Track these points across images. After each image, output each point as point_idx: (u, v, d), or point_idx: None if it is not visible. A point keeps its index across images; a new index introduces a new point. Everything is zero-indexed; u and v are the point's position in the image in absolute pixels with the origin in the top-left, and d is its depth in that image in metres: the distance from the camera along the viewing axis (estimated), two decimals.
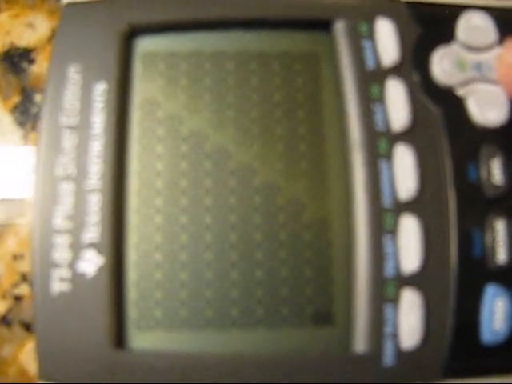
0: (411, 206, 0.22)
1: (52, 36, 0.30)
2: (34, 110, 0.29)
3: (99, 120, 0.23)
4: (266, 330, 0.22)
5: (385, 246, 0.22)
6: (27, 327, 0.27)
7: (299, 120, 0.24)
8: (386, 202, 0.22)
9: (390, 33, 0.24)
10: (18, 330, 0.27)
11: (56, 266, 0.22)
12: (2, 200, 0.28)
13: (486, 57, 0.24)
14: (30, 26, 0.30)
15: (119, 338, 0.22)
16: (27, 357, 0.27)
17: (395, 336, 0.22)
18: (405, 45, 0.24)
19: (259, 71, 0.24)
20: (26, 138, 0.29)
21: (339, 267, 0.23)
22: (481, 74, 0.24)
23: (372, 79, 0.23)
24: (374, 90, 0.23)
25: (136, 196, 0.23)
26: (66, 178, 0.22)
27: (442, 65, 0.24)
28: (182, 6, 0.24)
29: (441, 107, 0.23)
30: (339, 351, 0.22)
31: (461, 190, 0.22)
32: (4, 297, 0.28)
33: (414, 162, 0.22)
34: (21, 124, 0.29)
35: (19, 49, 0.30)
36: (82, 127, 0.23)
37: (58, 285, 0.22)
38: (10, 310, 0.27)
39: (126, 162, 0.23)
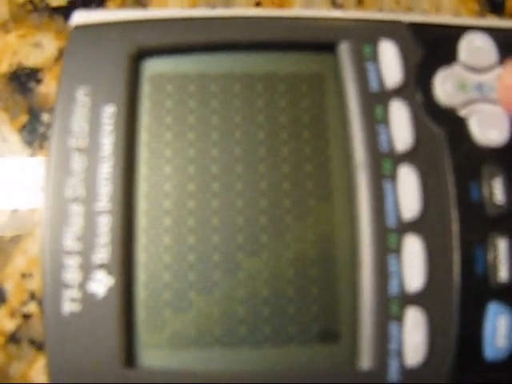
0: (415, 226, 0.23)
1: (59, 56, 0.30)
2: (41, 129, 0.29)
3: (108, 142, 0.23)
4: (273, 348, 0.23)
5: (389, 265, 0.22)
6: (36, 345, 0.28)
7: (304, 141, 0.24)
8: (390, 222, 0.23)
9: (393, 55, 0.24)
10: (26, 348, 0.28)
11: (67, 286, 0.22)
12: (10, 218, 0.29)
13: (487, 77, 0.24)
14: (38, 45, 0.30)
15: (129, 356, 0.22)
16: (36, 375, 0.27)
17: (400, 353, 0.22)
18: (408, 66, 0.24)
19: (265, 92, 0.24)
20: (33, 156, 0.29)
21: (345, 286, 0.23)
22: (482, 95, 0.24)
23: (376, 101, 0.24)
24: (378, 111, 0.24)
25: (145, 217, 0.23)
26: (76, 199, 0.23)
27: (445, 86, 0.24)
28: (190, 28, 0.24)
29: (443, 128, 0.24)
30: (345, 368, 0.22)
31: (463, 210, 0.23)
32: (13, 315, 0.28)
33: (417, 183, 0.23)
34: (28, 143, 0.29)
35: (26, 69, 0.30)
36: (91, 149, 0.23)
37: (69, 305, 0.22)
38: (18, 328, 0.28)
39: (135, 183, 0.23)
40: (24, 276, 0.28)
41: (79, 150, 0.23)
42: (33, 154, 0.29)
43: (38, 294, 0.28)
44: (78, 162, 0.23)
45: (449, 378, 0.22)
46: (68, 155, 0.23)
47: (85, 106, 0.23)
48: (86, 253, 0.22)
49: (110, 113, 0.23)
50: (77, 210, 0.22)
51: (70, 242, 0.22)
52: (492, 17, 0.31)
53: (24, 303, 0.28)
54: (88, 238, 0.22)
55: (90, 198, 0.23)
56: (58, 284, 0.22)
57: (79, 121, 0.23)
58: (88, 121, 0.23)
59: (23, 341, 0.28)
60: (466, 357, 0.22)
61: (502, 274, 0.23)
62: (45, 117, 0.29)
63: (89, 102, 0.23)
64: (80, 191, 0.23)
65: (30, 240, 0.28)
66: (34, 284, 0.28)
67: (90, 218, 0.22)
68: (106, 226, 0.22)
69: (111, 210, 0.22)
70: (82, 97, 0.23)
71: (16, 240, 0.28)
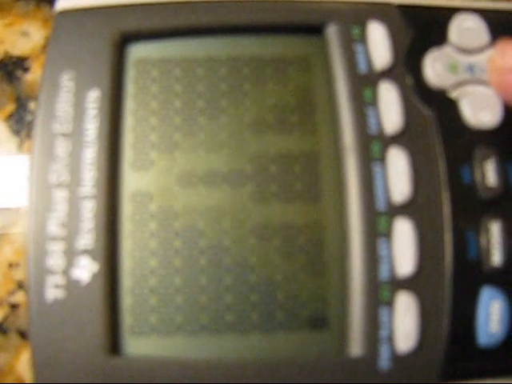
0: (405, 209, 0.22)
1: (46, 44, 0.30)
2: (28, 118, 0.29)
3: (92, 127, 0.23)
4: (261, 335, 0.22)
5: (379, 250, 0.22)
6: (23, 335, 0.27)
7: (292, 124, 0.24)
8: (380, 205, 0.22)
9: (382, 36, 0.24)
10: (14, 338, 0.27)
11: (50, 272, 0.22)
12: None
13: (478, 59, 0.24)
14: (25, 34, 0.30)
15: (114, 344, 0.22)
16: (24, 365, 0.27)
17: (390, 339, 0.22)
18: (397, 48, 0.24)
19: (252, 76, 0.24)
20: (20, 146, 0.29)
21: (334, 271, 0.23)
22: (473, 76, 0.24)
23: (365, 83, 0.23)
24: (367, 93, 0.23)
25: (129, 202, 0.23)
26: (60, 185, 0.22)
27: (435, 67, 0.24)
28: (174, 12, 0.24)
29: (434, 110, 0.23)
30: (335, 355, 0.22)
31: (455, 193, 0.22)
32: (0, 305, 0.28)
33: (407, 165, 0.22)
34: (16, 132, 0.29)
35: (13, 57, 0.30)
36: (75, 134, 0.23)
37: (53, 291, 0.22)
38: (6, 318, 0.27)
39: (119, 168, 0.23)
40: (11, 266, 0.28)
41: (63, 135, 0.23)
42: (20, 144, 0.29)
43: (25, 284, 0.28)
44: (62, 147, 0.23)
45: (441, 365, 0.22)
46: (52, 140, 0.23)
47: (69, 91, 0.23)
48: (70, 238, 0.22)
49: (94, 97, 0.23)
50: (61, 196, 0.22)
51: (54, 227, 0.22)
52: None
53: (11, 293, 0.28)
54: (72, 223, 0.22)
55: (74, 184, 0.22)
56: (41, 270, 0.22)
57: (63, 106, 0.23)
58: (72, 106, 0.23)
59: (10, 331, 0.27)
60: (459, 343, 0.22)
61: (495, 258, 0.22)
62: (32, 105, 0.29)
63: (73, 87, 0.23)
64: (64, 176, 0.22)
65: (18, 230, 0.28)
66: (22, 274, 0.28)
67: (74, 204, 0.22)
68: (90, 211, 0.22)
69: (95, 196, 0.22)
70: (67, 82, 0.23)
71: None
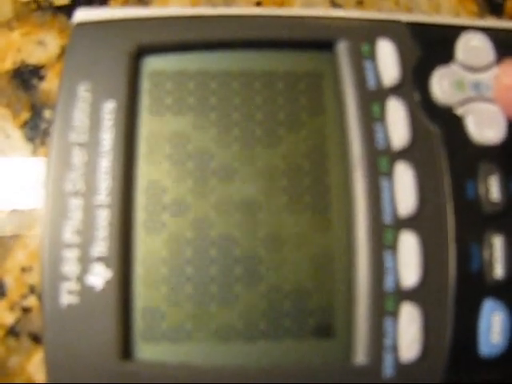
0: (411, 223, 0.23)
1: (62, 53, 0.30)
2: (43, 125, 0.30)
3: (108, 137, 0.23)
4: (268, 343, 0.23)
5: (385, 261, 0.23)
6: (35, 338, 0.28)
7: (302, 138, 0.24)
8: (387, 218, 0.23)
9: (391, 53, 0.24)
10: (25, 342, 0.28)
11: (65, 279, 0.22)
12: (11, 213, 0.29)
13: (483, 76, 0.25)
14: (41, 43, 0.31)
15: (126, 349, 0.22)
16: (35, 368, 0.27)
17: (394, 348, 0.22)
18: (405, 65, 0.24)
19: (264, 90, 0.25)
20: (35, 152, 0.29)
21: (340, 281, 0.23)
22: (479, 94, 0.24)
23: (373, 98, 0.24)
24: (375, 109, 0.24)
25: (143, 211, 0.23)
26: (76, 193, 0.23)
27: (442, 85, 0.24)
28: (190, 26, 0.24)
29: (440, 126, 0.24)
30: (340, 363, 0.23)
31: (459, 207, 0.23)
32: (12, 308, 0.28)
33: (413, 180, 0.23)
34: (30, 139, 0.30)
35: (29, 66, 0.30)
36: (91, 144, 0.23)
37: (67, 297, 0.22)
38: (18, 322, 0.28)
39: (134, 178, 0.23)
40: (24, 270, 0.28)
41: (80, 144, 0.23)
42: (34, 151, 0.29)
43: (37, 288, 0.28)
44: (78, 157, 0.23)
45: (443, 374, 0.22)
46: (69, 150, 0.23)
47: (86, 101, 0.24)
48: (84, 246, 0.22)
49: (110, 108, 0.24)
50: (76, 204, 0.23)
51: (70, 234, 0.22)
52: (491, 18, 0.31)
53: (24, 297, 0.28)
54: (87, 231, 0.22)
55: (89, 192, 0.23)
56: (56, 276, 0.22)
57: (80, 116, 0.23)
58: (89, 116, 0.23)
59: (22, 334, 0.28)
60: (461, 353, 0.22)
61: (498, 271, 0.23)
62: (47, 113, 0.30)
63: (90, 98, 0.24)
64: (80, 185, 0.23)
65: (31, 234, 0.29)
66: (34, 278, 0.28)
67: (90, 212, 0.23)
68: (104, 219, 0.23)
69: (110, 204, 0.23)
70: (83, 93, 0.24)
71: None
